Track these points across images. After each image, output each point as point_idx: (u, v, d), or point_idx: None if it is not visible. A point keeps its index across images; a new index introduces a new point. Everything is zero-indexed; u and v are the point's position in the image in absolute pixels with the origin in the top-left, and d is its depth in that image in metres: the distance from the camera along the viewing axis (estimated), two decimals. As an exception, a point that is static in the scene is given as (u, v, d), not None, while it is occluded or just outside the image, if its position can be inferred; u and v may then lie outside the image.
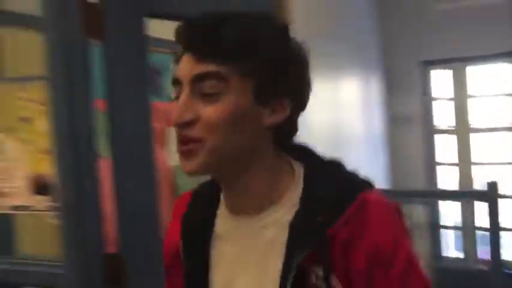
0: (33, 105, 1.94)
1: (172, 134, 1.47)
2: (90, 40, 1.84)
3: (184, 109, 0.84)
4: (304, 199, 0.88)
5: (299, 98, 0.90)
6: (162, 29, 1.75)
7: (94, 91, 1.85)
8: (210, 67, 0.83)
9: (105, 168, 1.88)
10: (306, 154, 0.95)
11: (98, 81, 1.85)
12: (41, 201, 1.96)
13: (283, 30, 0.89)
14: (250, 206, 0.91)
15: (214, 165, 0.86)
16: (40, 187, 1.96)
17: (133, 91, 1.89)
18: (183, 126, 0.85)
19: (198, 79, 0.84)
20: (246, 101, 0.85)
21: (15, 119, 2.00)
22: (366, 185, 0.90)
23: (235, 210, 0.94)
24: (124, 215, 1.87)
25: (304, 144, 0.97)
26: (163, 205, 1.95)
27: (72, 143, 1.85)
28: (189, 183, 1.04)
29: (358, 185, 0.90)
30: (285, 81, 0.86)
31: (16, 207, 2.03)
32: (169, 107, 2.22)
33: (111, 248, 1.86)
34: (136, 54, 1.90)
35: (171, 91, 0.93)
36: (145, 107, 1.92)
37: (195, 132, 0.85)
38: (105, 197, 1.86)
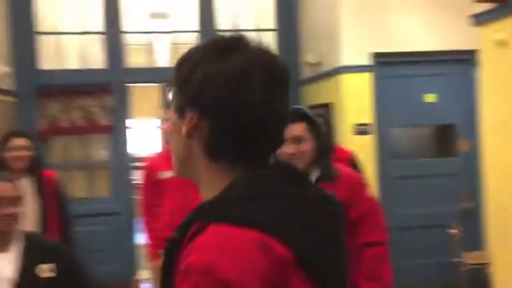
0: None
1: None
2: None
3: None
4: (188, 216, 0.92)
5: (206, 110, 0.90)
6: None
7: None
8: None
9: None
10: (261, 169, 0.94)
11: None
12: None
13: (210, 49, 0.93)
14: None
15: (180, 169, 0.99)
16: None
17: None
18: None
19: None
20: (175, 116, 0.97)
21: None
22: (224, 216, 0.85)
23: None
24: None
25: (279, 163, 0.99)
26: None
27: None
28: None
29: (208, 212, 0.88)
30: (185, 92, 0.93)
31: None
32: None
33: None
34: None
35: None
36: None
37: None
38: None
